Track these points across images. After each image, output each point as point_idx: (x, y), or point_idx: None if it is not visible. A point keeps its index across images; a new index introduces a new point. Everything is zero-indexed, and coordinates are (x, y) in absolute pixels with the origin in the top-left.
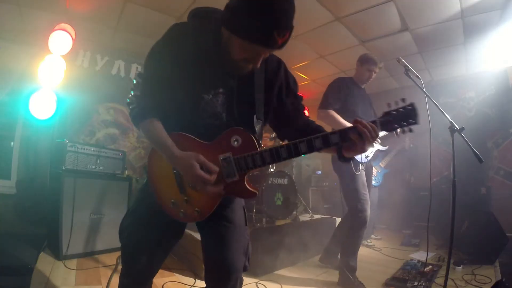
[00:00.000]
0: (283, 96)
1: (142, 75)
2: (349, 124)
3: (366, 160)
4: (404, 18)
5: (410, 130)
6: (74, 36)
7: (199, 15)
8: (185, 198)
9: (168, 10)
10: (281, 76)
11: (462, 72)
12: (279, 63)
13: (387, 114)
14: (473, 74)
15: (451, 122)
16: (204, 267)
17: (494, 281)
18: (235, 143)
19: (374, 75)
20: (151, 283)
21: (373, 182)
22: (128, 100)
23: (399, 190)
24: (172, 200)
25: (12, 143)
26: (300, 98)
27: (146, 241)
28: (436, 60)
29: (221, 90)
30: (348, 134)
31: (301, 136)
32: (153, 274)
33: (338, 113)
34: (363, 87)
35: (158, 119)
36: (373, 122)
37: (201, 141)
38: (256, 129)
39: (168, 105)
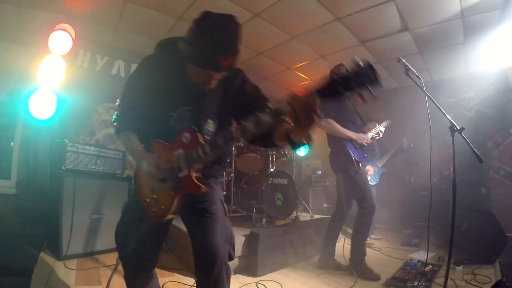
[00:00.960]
0: (239, 102)
1: (121, 99)
2: (346, 131)
3: (365, 159)
4: (404, 18)
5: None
6: (74, 36)
7: (165, 47)
8: (154, 196)
9: (168, 10)
10: (236, 85)
11: (462, 72)
12: (237, 73)
13: (328, 80)
14: (473, 74)
15: (451, 122)
16: (193, 258)
17: (494, 281)
18: (185, 139)
19: None
20: (151, 275)
21: (371, 182)
22: (113, 118)
23: (399, 190)
24: (147, 200)
25: (12, 143)
26: (264, 99)
27: (137, 235)
28: (436, 60)
29: (187, 108)
30: (279, 109)
31: (266, 138)
32: (150, 264)
33: (334, 121)
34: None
35: (134, 133)
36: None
37: (166, 143)
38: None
39: (143, 123)
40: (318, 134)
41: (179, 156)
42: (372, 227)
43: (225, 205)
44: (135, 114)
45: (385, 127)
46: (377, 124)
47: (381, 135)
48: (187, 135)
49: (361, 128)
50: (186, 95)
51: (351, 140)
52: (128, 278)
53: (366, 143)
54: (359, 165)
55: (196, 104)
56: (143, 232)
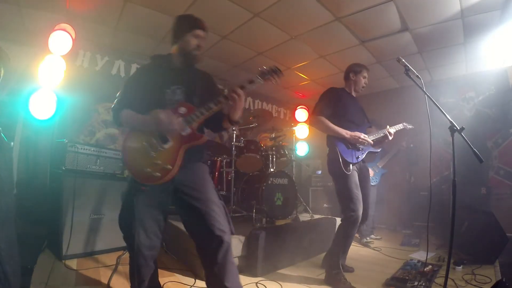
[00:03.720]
0: (210, 89)
1: (120, 88)
2: (338, 129)
3: (357, 161)
4: (404, 18)
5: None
6: (74, 36)
7: (157, 56)
8: (156, 162)
9: (168, 10)
10: (209, 79)
11: (462, 72)
12: (209, 74)
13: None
14: (473, 74)
15: (451, 122)
16: (195, 241)
17: (494, 281)
18: (182, 111)
19: (367, 81)
20: (156, 269)
21: (372, 183)
22: (114, 102)
23: (399, 190)
24: (148, 169)
25: (12, 143)
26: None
27: (137, 218)
28: (436, 60)
29: (177, 86)
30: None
31: (217, 121)
32: (154, 251)
33: (330, 120)
34: (355, 95)
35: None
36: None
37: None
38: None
39: (141, 102)
40: (318, 134)
41: (178, 121)
42: (372, 227)
43: (218, 193)
44: (134, 96)
45: (398, 130)
46: (387, 126)
47: (390, 137)
48: (183, 108)
49: (364, 129)
50: (175, 78)
51: (344, 140)
52: (135, 267)
53: (362, 143)
54: (348, 166)
55: (183, 84)
56: (145, 214)
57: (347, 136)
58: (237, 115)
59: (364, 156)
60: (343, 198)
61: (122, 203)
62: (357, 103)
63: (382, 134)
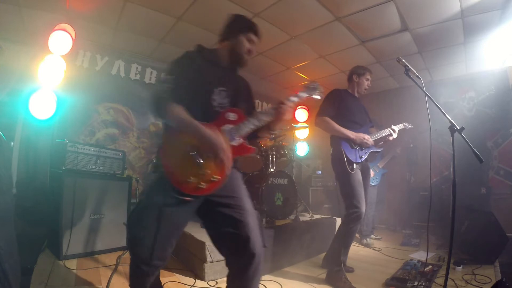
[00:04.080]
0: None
1: (169, 74)
2: (343, 130)
3: (360, 160)
4: (404, 18)
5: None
6: (74, 36)
7: (203, 48)
8: (201, 172)
9: (168, 10)
10: (248, 86)
11: (462, 72)
12: (247, 81)
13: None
14: (473, 74)
15: (451, 122)
16: (225, 254)
17: (494, 281)
18: (231, 117)
19: (370, 83)
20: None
21: (372, 183)
22: (155, 91)
23: (399, 190)
24: (192, 178)
25: (12, 143)
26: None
27: (163, 228)
28: (436, 60)
29: (223, 88)
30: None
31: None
32: (164, 261)
33: (334, 120)
34: (358, 96)
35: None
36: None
37: (206, 123)
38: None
39: (186, 97)
40: (318, 135)
41: (229, 129)
42: (372, 227)
43: (247, 192)
44: (183, 87)
45: (400, 129)
46: (392, 125)
47: (394, 135)
48: (233, 114)
49: (366, 129)
50: (222, 78)
51: (348, 140)
52: (137, 270)
53: (366, 144)
54: (352, 166)
55: (229, 87)
56: (168, 217)
57: (352, 136)
58: (279, 126)
59: (367, 156)
60: (347, 195)
61: (145, 207)
62: (360, 103)
63: (384, 134)
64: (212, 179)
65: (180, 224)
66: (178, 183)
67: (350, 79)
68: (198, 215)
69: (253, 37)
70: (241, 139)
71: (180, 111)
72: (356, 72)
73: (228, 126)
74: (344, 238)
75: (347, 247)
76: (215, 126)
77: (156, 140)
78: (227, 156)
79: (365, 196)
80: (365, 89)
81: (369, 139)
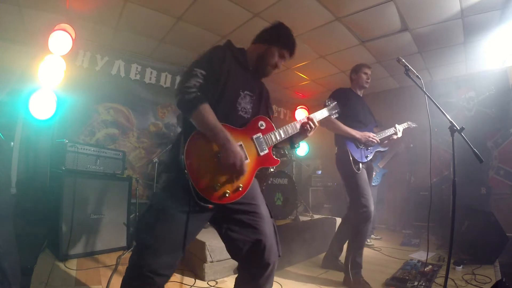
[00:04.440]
0: (268, 105)
1: (202, 69)
2: (349, 130)
3: (366, 160)
4: (404, 18)
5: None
6: (74, 36)
7: (231, 45)
8: (230, 179)
9: (168, 10)
10: (268, 93)
11: (462, 72)
12: (265, 87)
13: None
14: (473, 74)
15: (451, 122)
16: (239, 260)
17: (494, 281)
18: (262, 126)
19: (369, 77)
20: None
21: (373, 183)
22: (186, 84)
23: (399, 190)
24: (219, 185)
25: (12, 143)
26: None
27: (178, 236)
28: (436, 60)
29: (249, 92)
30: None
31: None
32: (173, 268)
33: (339, 120)
34: (361, 95)
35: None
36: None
37: (236, 128)
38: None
39: (214, 97)
40: (318, 135)
41: (259, 139)
42: (372, 227)
43: (268, 207)
44: (212, 85)
45: (405, 128)
46: (396, 124)
47: (399, 134)
48: (263, 122)
49: (371, 128)
50: (248, 82)
51: (354, 139)
52: (140, 279)
53: (373, 142)
54: (358, 165)
55: (254, 92)
56: (185, 224)
57: (358, 136)
58: (300, 140)
59: (372, 155)
60: (354, 195)
61: (159, 212)
62: (364, 102)
63: (389, 133)
64: (237, 187)
65: (196, 232)
66: (204, 190)
67: (350, 78)
68: (212, 222)
69: (286, 54)
70: (268, 150)
71: (209, 112)
72: (353, 70)
73: (259, 136)
74: (356, 240)
75: (360, 248)
76: (247, 134)
77: (156, 140)
78: (242, 169)
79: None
80: (366, 83)
81: (375, 137)
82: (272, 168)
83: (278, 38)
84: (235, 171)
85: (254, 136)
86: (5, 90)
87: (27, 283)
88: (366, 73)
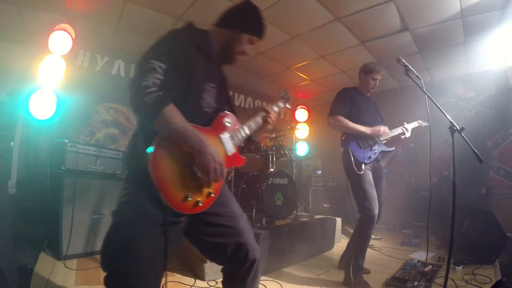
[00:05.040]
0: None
1: (162, 62)
2: (358, 127)
3: (369, 161)
4: (404, 18)
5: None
6: (74, 36)
7: (192, 27)
8: (202, 186)
9: (168, 10)
10: (227, 82)
11: (462, 72)
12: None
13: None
14: (473, 74)
15: (451, 122)
16: (222, 263)
17: (494, 281)
18: (227, 124)
19: (377, 83)
20: None
21: None
22: (144, 83)
23: (399, 190)
24: (191, 196)
25: (12, 143)
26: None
27: (158, 255)
28: (436, 60)
29: (212, 84)
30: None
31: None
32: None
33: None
34: (368, 95)
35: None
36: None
37: (202, 127)
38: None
39: (177, 94)
40: (318, 135)
41: (226, 138)
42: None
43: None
44: (175, 80)
45: (414, 127)
46: (405, 123)
47: (407, 134)
48: (228, 119)
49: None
50: (212, 72)
51: (357, 139)
52: None
53: (386, 134)
54: (360, 166)
55: (217, 82)
56: (162, 243)
57: (368, 132)
58: (261, 135)
59: (377, 156)
60: (358, 197)
61: (128, 234)
62: (371, 101)
63: (397, 132)
64: (208, 194)
65: (174, 246)
66: (175, 202)
67: (359, 76)
68: (185, 232)
69: (255, 39)
70: (235, 149)
71: (177, 116)
72: (363, 70)
73: (225, 134)
74: (359, 242)
75: (363, 250)
76: (213, 133)
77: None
78: (223, 173)
79: (379, 196)
80: (372, 89)
81: (386, 129)
82: (272, 168)
83: (247, 23)
84: (214, 176)
85: (221, 135)
86: (5, 90)
87: (27, 283)
88: (375, 79)
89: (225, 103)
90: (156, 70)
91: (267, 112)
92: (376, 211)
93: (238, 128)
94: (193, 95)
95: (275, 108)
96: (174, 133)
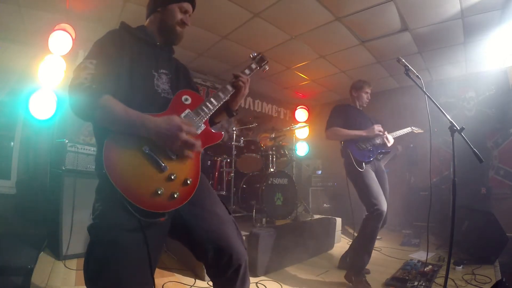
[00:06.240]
0: (190, 81)
1: (93, 58)
2: (354, 132)
3: (368, 160)
4: (404, 18)
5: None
6: (74, 36)
7: (127, 26)
8: (172, 176)
9: None
10: (186, 69)
11: (462, 72)
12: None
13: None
14: (473, 74)
15: (451, 122)
16: (208, 267)
17: (494, 281)
18: (187, 101)
19: (369, 96)
20: None
21: None
22: (76, 82)
23: (399, 190)
24: (162, 190)
25: (12, 143)
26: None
27: (142, 266)
28: (436, 60)
29: (163, 71)
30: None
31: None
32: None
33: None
34: (361, 108)
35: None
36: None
37: (157, 113)
38: None
39: (123, 85)
40: (318, 135)
41: (188, 116)
42: None
43: (225, 204)
44: (116, 74)
45: (402, 135)
46: (412, 126)
47: (388, 144)
48: (187, 96)
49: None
50: (159, 59)
51: (355, 144)
52: None
53: (380, 135)
54: (361, 164)
55: (168, 69)
56: (142, 244)
57: (364, 134)
58: (238, 104)
59: (375, 156)
60: (364, 196)
61: (111, 242)
62: (364, 114)
63: (405, 131)
64: (184, 182)
65: (159, 251)
66: (145, 201)
67: (350, 94)
68: (169, 233)
69: (187, 5)
70: (204, 125)
71: (116, 105)
72: (354, 87)
73: (187, 112)
74: (366, 239)
75: (368, 248)
76: (172, 114)
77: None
78: (188, 141)
79: (384, 198)
80: (366, 103)
81: (380, 128)
82: (272, 168)
83: None
84: (190, 146)
85: (182, 115)
86: (5, 90)
87: (27, 283)
88: (367, 93)
89: (185, 87)
90: (87, 67)
91: (236, 76)
92: (384, 207)
93: (202, 102)
94: (143, 84)
95: (247, 71)
96: (117, 124)
